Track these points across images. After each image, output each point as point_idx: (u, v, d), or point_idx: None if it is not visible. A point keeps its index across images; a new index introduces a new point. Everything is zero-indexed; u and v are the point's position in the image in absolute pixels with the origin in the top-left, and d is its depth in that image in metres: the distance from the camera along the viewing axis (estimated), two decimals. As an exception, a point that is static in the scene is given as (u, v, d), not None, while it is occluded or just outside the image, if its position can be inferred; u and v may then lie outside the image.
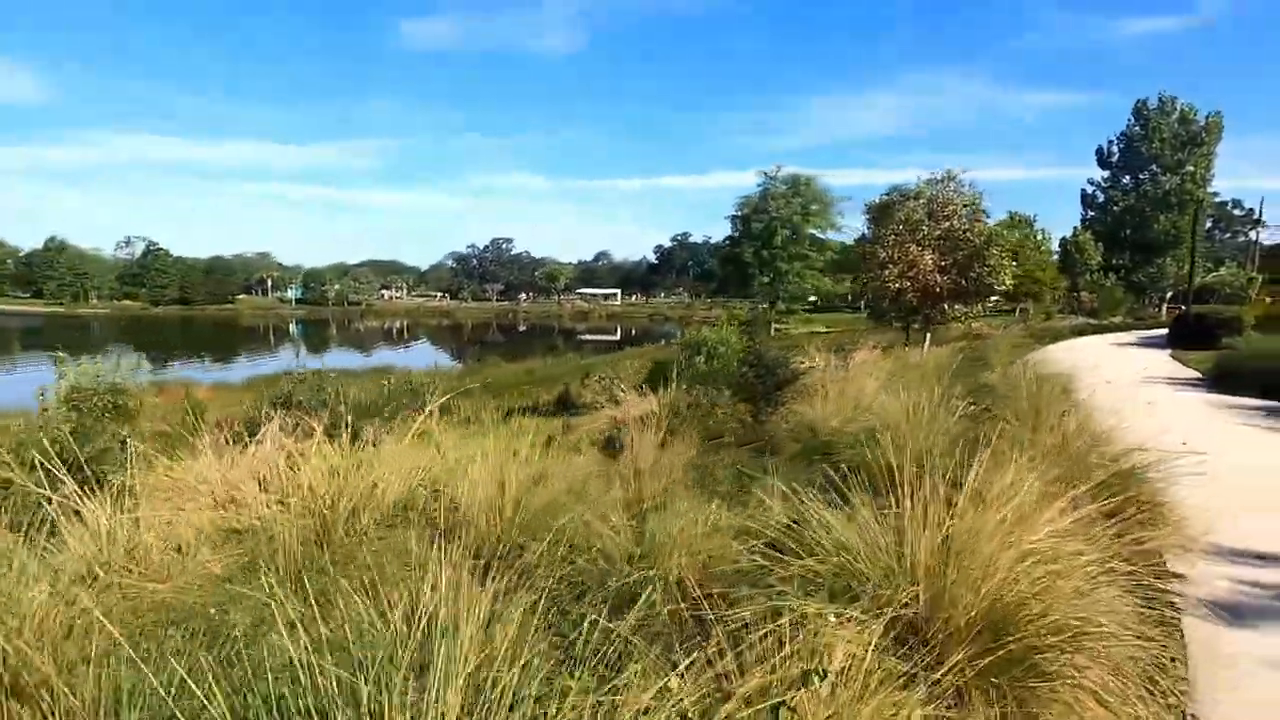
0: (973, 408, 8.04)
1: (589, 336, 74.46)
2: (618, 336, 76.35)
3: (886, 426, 6.08)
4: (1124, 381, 14.55)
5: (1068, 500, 3.94)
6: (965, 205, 19.40)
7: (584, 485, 4.51)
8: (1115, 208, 59.28)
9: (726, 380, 10.62)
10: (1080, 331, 33.30)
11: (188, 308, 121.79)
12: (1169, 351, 21.91)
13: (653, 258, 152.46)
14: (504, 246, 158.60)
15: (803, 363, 11.94)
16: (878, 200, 20.33)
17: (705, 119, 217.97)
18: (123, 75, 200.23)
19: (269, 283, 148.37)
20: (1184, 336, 23.35)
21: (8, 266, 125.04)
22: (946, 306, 19.18)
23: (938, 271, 18.82)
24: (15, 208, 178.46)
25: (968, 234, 19.04)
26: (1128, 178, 59.73)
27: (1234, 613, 3.74)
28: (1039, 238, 61.04)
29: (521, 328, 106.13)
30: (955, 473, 3.81)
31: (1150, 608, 3.47)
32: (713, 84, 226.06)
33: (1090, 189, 62.29)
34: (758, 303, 14.62)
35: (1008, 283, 18.89)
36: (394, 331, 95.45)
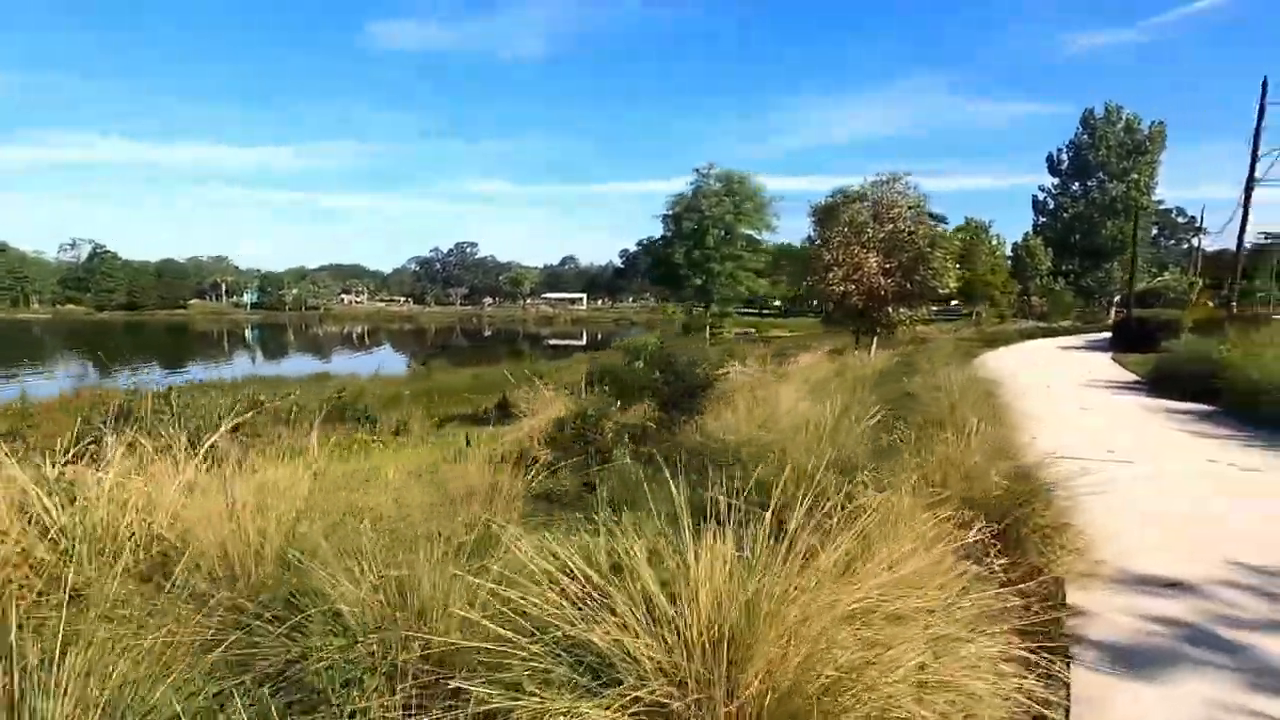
0: (889, 418, 7.55)
1: (555, 341, 73.57)
2: (584, 341, 75.58)
3: (783, 441, 5.50)
4: (1064, 385, 14.35)
5: (943, 527, 3.37)
6: (910, 207, 19.18)
7: (403, 516, 3.79)
8: (1065, 214, 60.61)
9: (646, 386, 10.02)
10: (1029, 335, 33.62)
11: (136, 313, 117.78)
12: (1111, 355, 22.04)
13: (619, 262, 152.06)
14: (468, 250, 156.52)
15: (730, 369, 11.38)
16: (823, 202, 20.02)
17: (675, 125, 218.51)
18: (71, 75, 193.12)
19: (224, 287, 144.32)
20: (1125, 340, 23.54)
21: None
22: (891, 309, 18.90)
23: (882, 274, 18.54)
24: None
25: (912, 236, 18.82)
26: (1077, 184, 61.15)
27: (1133, 660, 3.19)
28: (994, 243, 62.22)
29: (486, 333, 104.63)
30: (834, 495, 3.23)
31: (1036, 653, 2.89)
32: (682, 91, 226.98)
33: (1041, 195, 63.70)
34: (692, 306, 14.02)
35: (951, 285, 18.69)
36: (354, 336, 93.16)
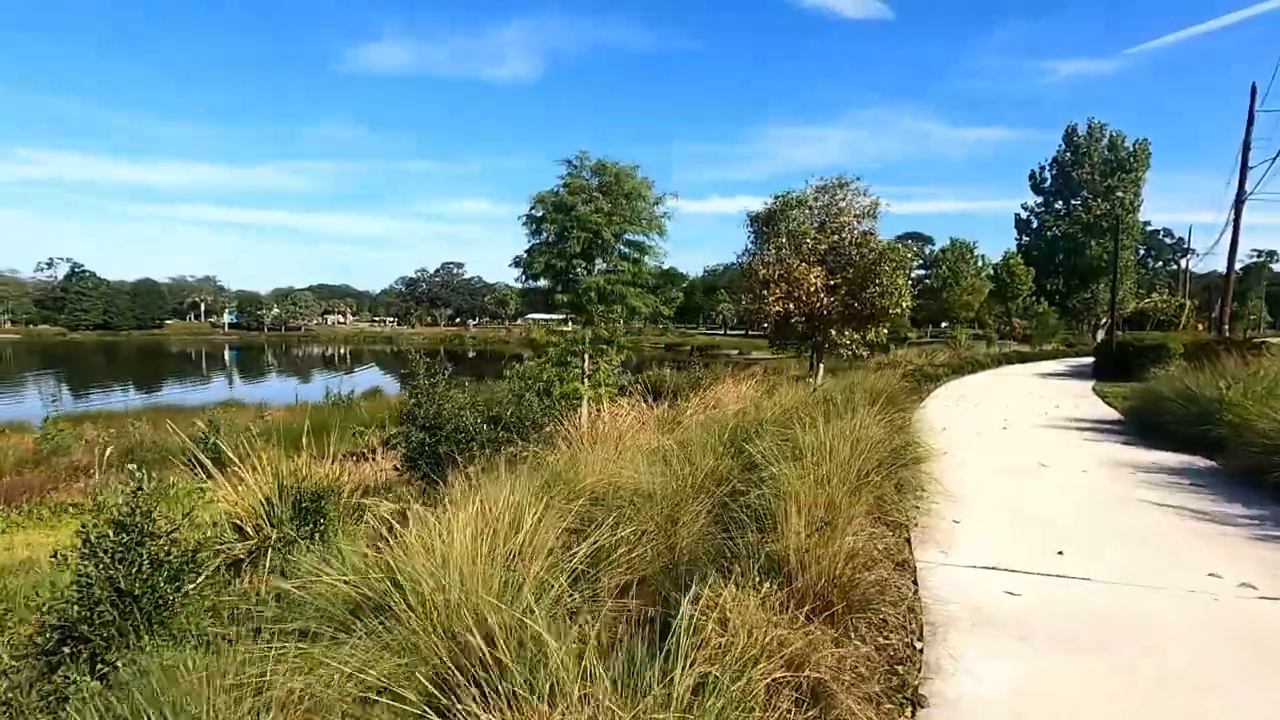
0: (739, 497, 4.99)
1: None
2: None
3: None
4: (1026, 425, 11.73)
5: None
6: (858, 216, 16.73)
7: None
8: (1049, 233, 58.59)
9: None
10: (1007, 359, 31.11)
11: (110, 333, 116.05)
12: (1093, 384, 19.51)
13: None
14: (454, 271, 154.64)
15: (585, 411, 8.79)
16: (761, 209, 17.55)
17: (659, 149, 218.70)
18: (48, 92, 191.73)
19: (203, 307, 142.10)
20: (1108, 367, 21.04)
21: None
22: (834, 332, 16.36)
23: (824, 292, 16.03)
24: None
25: (860, 249, 16.35)
26: (1060, 203, 59.23)
27: None
28: (979, 264, 60.16)
29: (471, 354, 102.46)
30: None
31: None
32: (665, 115, 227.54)
33: (1024, 214, 61.72)
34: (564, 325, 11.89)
35: (905, 305, 16.17)
36: (335, 358, 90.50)
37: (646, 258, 10.80)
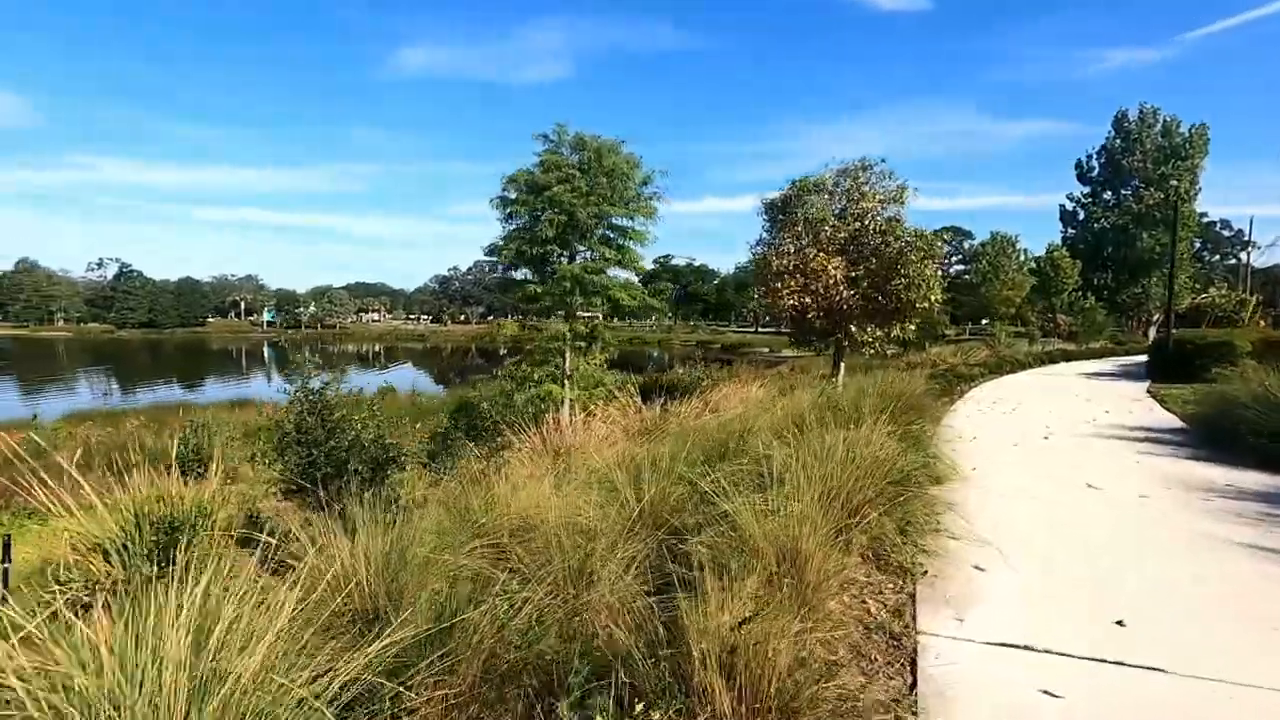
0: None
1: None
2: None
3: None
4: (1072, 435, 10.19)
5: None
6: (881, 201, 15.23)
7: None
8: (1096, 225, 55.48)
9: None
10: (1051, 358, 29.01)
11: (154, 330, 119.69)
12: (1148, 385, 17.65)
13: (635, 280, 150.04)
14: (487, 269, 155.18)
15: (579, 413, 7.61)
16: (777, 195, 16.15)
17: (695, 147, 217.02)
18: (104, 100, 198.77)
19: (242, 305, 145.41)
20: (1164, 367, 19.08)
21: None
22: (855, 328, 14.90)
23: (845, 284, 14.58)
24: None
25: (885, 237, 14.86)
26: (1109, 193, 56.02)
27: None
28: (1021, 258, 57.34)
29: (503, 351, 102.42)
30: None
31: None
32: (696, 113, 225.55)
33: (1070, 205, 58.59)
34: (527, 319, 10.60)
35: (935, 299, 14.64)
36: (369, 355, 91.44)
37: (632, 243, 9.56)
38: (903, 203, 15.47)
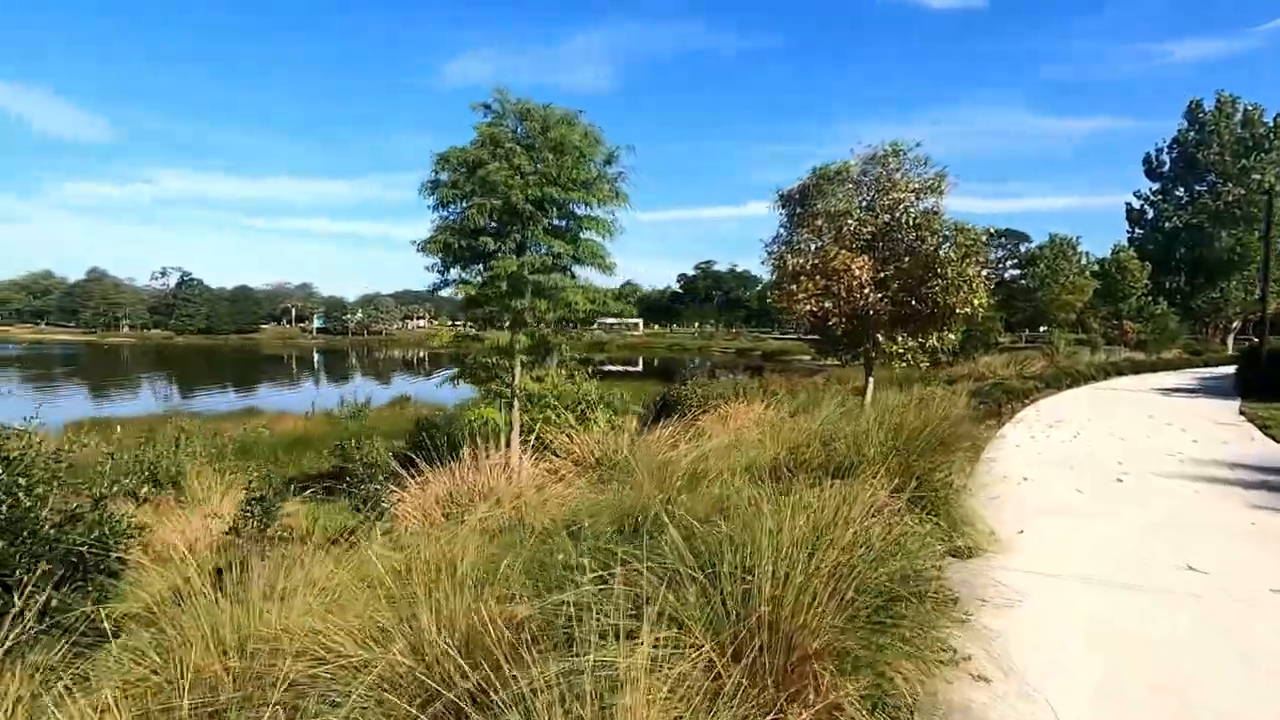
0: None
1: (611, 367, 71.31)
2: (640, 367, 72.11)
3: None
4: (1151, 474, 8.01)
5: None
6: (916, 190, 13.15)
7: None
8: (1167, 223, 51.26)
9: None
10: (1117, 369, 26.06)
11: (210, 337, 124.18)
12: (1238, 404, 15.02)
13: (677, 286, 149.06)
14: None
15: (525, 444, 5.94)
16: (795, 185, 14.21)
17: (740, 150, 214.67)
18: (171, 114, 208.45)
19: (293, 312, 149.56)
20: (1257, 381, 16.37)
21: (53, 298, 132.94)
22: (882, 336, 12.83)
23: (872, 287, 12.56)
24: (68, 241, 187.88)
25: (920, 231, 12.79)
26: (1181, 189, 51.73)
27: None
28: (1082, 260, 53.50)
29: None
30: None
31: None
32: (743, 115, 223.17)
33: (1138, 203, 54.39)
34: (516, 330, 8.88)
35: (979, 303, 12.50)
36: (414, 361, 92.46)
37: (590, 234, 7.85)
38: (941, 193, 13.33)
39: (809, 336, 16.97)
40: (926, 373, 17.66)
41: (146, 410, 26.60)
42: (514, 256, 7.55)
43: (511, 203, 6.88)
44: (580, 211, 7.87)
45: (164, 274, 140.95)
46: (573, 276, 8.23)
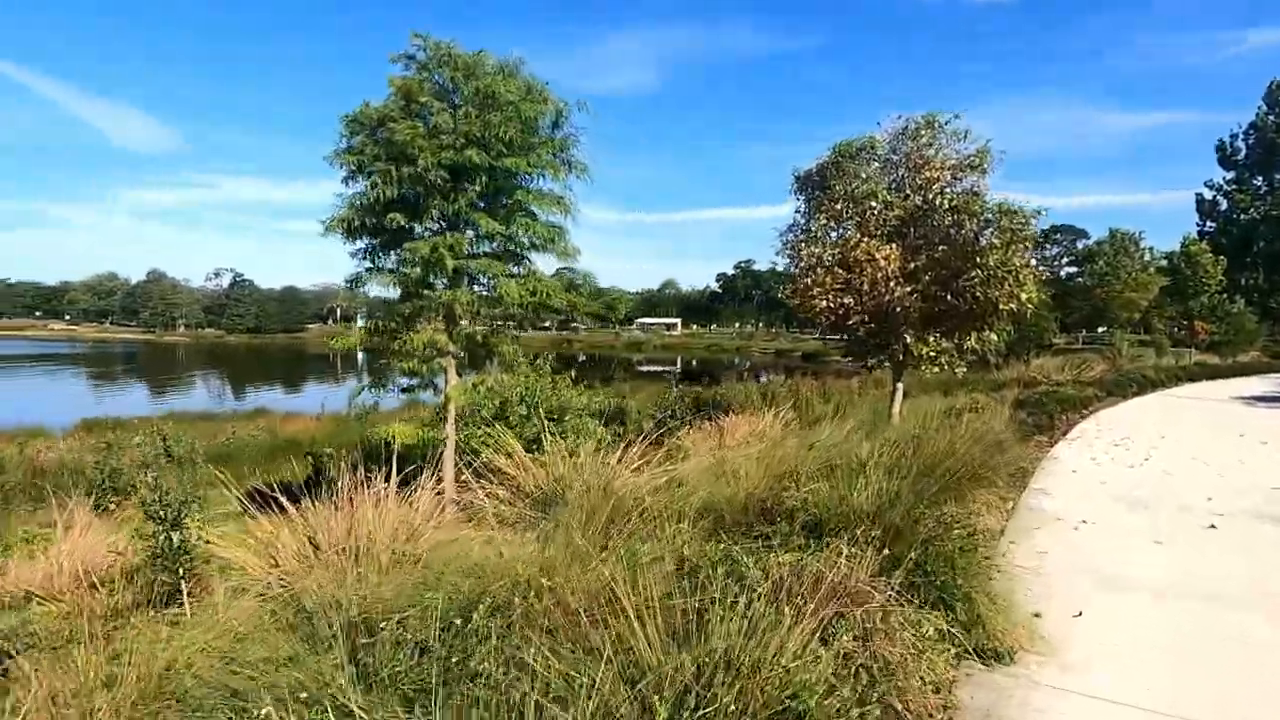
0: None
1: (648, 368, 70.43)
2: (678, 368, 71.03)
3: None
4: (1250, 514, 6.17)
5: None
6: (953, 168, 11.33)
7: None
8: (1242, 215, 47.18)
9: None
10: (1189, 374, 23.40)
11: (258, 336, 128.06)
12: (1342, 417, 12.74)
13: (715, 286, 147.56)
14: (565, 276, 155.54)
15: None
16: (813, 165, 12.52)
17: (783, 150, 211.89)
18: (229, 123, 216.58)
19: (338, 311, 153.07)
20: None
21: (116, 298, 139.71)
22: (911, 337, 11.05)
23: (899, 279, 10.82)
24: (128, 243, 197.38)
25: (958, 214, 10.98)
26: (1260, 178, 47.59)
27: None
28: (1146, 256, 49.83)
29: (580, 357, 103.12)
30: None
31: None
32: (787, 113, 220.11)
33: (1210, 194, 50.31)
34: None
35: (1027, 299, 10.64)
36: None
37: (541, 211, 6.40)
38: (984, 170, 11.46)
39: (831, 337, 15.28)
40: (968, 377, 15.76)
41: (147, 411, 26.25)
42: (438, 237, 6.16)
43: (421, 168, 5.50)
44: (532, 186, 6.45)
45: (217, 275, 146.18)
46: (524, 264, 6.84)
